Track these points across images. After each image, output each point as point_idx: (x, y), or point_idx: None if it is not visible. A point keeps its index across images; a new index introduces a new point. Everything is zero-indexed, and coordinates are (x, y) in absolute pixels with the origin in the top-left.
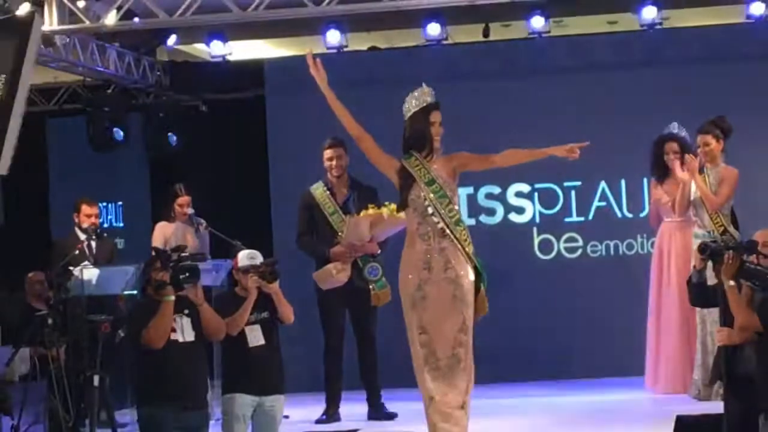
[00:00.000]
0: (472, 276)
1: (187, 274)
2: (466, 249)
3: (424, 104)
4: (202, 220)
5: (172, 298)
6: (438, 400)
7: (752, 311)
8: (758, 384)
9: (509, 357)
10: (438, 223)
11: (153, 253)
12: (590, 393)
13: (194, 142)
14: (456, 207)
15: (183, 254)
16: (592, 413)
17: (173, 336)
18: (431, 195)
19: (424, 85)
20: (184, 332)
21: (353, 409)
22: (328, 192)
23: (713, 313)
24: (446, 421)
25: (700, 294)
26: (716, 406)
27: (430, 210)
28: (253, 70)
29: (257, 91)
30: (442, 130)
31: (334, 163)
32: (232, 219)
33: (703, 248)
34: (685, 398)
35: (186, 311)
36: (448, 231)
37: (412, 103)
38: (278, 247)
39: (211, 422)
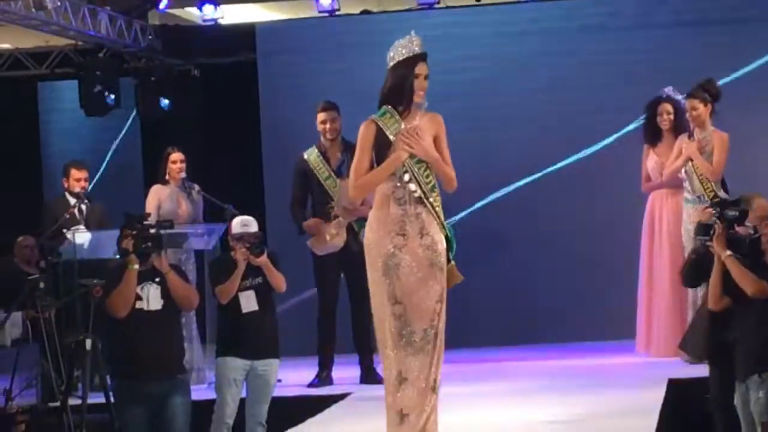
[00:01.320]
0: (444, 244)
1: (149, 244)
2: (440, 216)
3: (411, 54)
4: (195, 185)
5: (136, 266)
6: (411, 380)
7: (758, 278)
8: (738, 351)
9: (500, 322)
10: (415, 191)
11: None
12: (582, 357)
13: (186, 106)
14: (430, 172)
15: (146, 222)
16: (583, 377)
17: (138, 304)
18: (409, 160)
19: (413, 32)
20: (150, 301)
21: (345, 372)
22: (321, 157)
23: None
24: (417, 407)
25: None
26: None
27: (407, 176)
28: (245, 33)
29: (249, 54)
30: (427, 85)
31: (327, 126)
32: (224, 183)
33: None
34: (676, 362)
35: (157, 279)
36: (424, 198)
37: (398, 51)
38: (270, 211)
39: (204, 386)
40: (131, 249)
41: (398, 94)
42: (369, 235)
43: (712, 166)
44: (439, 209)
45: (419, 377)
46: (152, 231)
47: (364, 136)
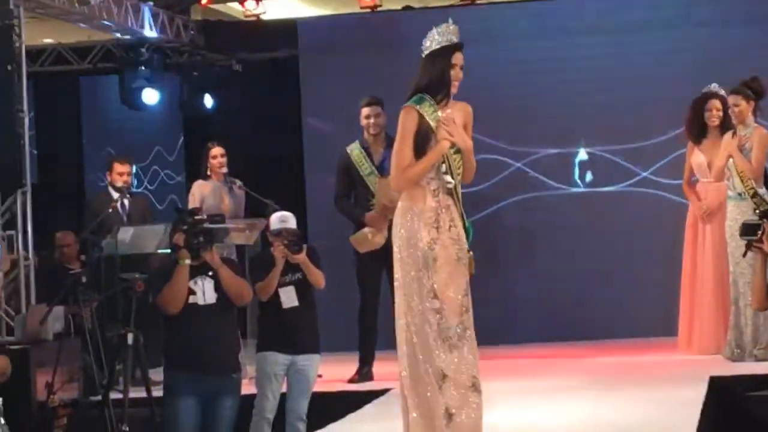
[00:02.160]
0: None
1: (201, 238)
2: (461, 208)
3: (448, 43)
4: (237, 180)
5: (188, 261)
6: (451, 377)
7: None
8: None
9: (541, 318)
10: (450, 182)
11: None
12: (623, 354)
13: (228, 101)
14: (461, 163)
15: (198, 217)
16: (625, 374)
17: (192, 299)
18: (449, 151)
19: (450, 20)
20: (206, 295)
21: (386, 368)
22: (364, 152)
23: (746, 274)
24: (464, 407)
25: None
26: (750, 367)
27: (444, 167)
28: (287, 29)
29: (291, 50)
30: (462, 75)
31: (371, 121)
32: (266, 179)
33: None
34: (718, 359)
35: (210, 273)
36: (454, 189)
37: (434, 39)
38: (311, 207)
39: (245, 381)
40: (182, 244)
41: (437, 84)
42: (402, 231)
43: (751, 163)
44: (460, 201)
45: (459, 373)
46: (204, 226)
47: (406, 123)
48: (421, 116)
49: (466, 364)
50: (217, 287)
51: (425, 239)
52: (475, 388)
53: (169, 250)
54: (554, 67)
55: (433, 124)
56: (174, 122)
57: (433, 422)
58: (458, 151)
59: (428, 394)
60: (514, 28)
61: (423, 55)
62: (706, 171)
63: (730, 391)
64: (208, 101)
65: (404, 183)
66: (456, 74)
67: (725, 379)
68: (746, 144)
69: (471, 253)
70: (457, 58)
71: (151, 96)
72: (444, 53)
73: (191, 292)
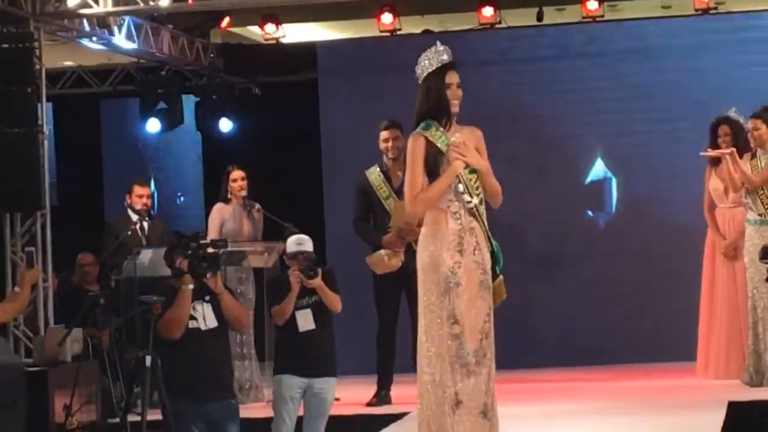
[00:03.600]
0: (490, 260)
1: (206, 264)
2: (488, 230)
3: (440, 64)
4: (256, 204)
5: (191, 287)
6: (465, 403)
7: None
8: None
9: (559, 342)
10: (470, 202)
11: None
12: (642, 378)
13: (247, 124)
14: (480, 184)
15: (203, 242)
16: (644, 398)
17: (193, 324)
18: (462, 170)
19: (438, 43)
20: (206, 319)
21: (404, 391)
22: (382, 176)
23: (765, 298)
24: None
25: None
26: None
27: (461, 187)
28: (306, 52)
29: (310, 74)
30: (461, 93)
31: (390, 144)
32: (285, 202)
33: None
34: (737, 384)
35: (207, 297)
36: (476, 210)
37: (425, 64)
38: (330, 231)
39: (262, 403)
40: (186, 269)
41: (436, 107)
42: (424, 255)
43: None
44: (488, 224)
45: (473, 400)
46: (209, 251)
47: (414, 150)
48: (428, 141)
49: (481, 391)
50: (216, 312)
51: (448, 263)
52: (485, 414)
53: None
54: (573, 88)
55: (442, 147)
56: (194, 145)
57: None
58: (473, 171)
59: (442, 418)
60: (533, 51)
61: (419, 83)
62: (722, 196)
63: (749, 416)
64: (226, 125)
65: (419, 207)
66: (453, 93)
67: (744, 404)
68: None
69: (501, 276)
70: (451, 77)
71: (170, 119)
72: (437, 75)
73: (191, 317)
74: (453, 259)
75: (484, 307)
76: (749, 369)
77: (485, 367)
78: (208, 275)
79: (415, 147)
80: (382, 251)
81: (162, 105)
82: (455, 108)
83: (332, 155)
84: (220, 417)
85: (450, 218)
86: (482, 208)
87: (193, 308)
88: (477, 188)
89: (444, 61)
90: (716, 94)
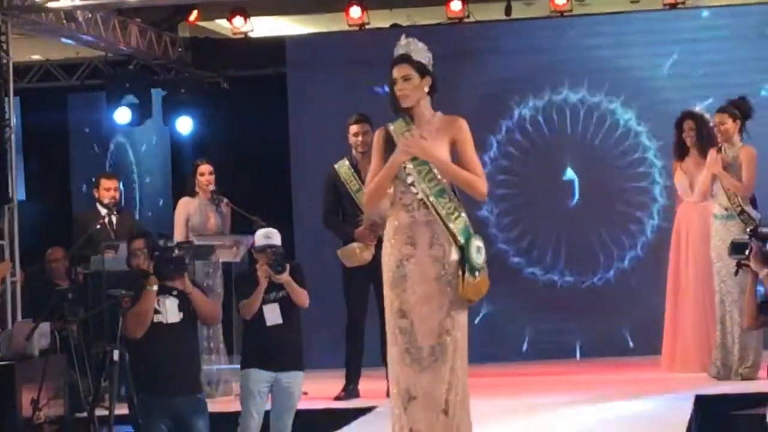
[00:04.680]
0: (456, 255)
1: (172, 267)
2: (450, 224)
3: (391, 59)
4: (224, 198)
5: (155, 288)
6: (419, 399)
7: None
8: None
9: (524, 336)
10: (417, 193)
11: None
12: (608, 372)
13: (215, 118)
14: (440, 176)
15: (169, 244)
16: (610, 392)
17: (157, 318)
18: (410, 164)
19: (402, 37)
20: (168, 314)
21: (372, 385)
22: (352, 169)
23: (733, 293)
24: (428, 428)
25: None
26: (736, 386)
27: (410, 179)
28: (275, 46)
29: (279, 68)
30: (408, 86)
31: (359, 139)
32: (253, 196)
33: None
34: (703, 377)
35: (174, 292)
36: (428, 202)
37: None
38: (298, 224)
39: (230, 398)
40: (152, 271)
41: (394, 102)
42: (385, 244)
43: (741, 182)
44: (454, 217)
45: (429, 396)
46: (175, 253)
47: (375, 143)
48: (388, 134)
49: (440, 387)
50: (181, 306)
51: (395, 256)
52: (446, 412)
53: None
54: (536, 85)
55: (396, 137)
56: (161, 139)
57: None
58: (425, 163)
59: (396, 411)
60: (501, 45)
61: None
62: (688, 190)
63: (716, 409)
64: (192, 120)
65: (367, 199)
66: (398, 87)
67: (711, 397)
68: (733, 163)
69: (479, 273)
70: (397, 71)
71: (137, 112)
72: (390, 71)
73: (156, 311)
74: (402, 253)
75: (444, 302)
76: (716, 363)
77: (445, 363)
78: (175, 278)
79: (376, 140)
80: (355, 244)
81: (131, 99)
82: (405, 102)
83: (301, 149)
84: (187, 412)
85: (401, 210)
86: (444, 201)
87: (158, 302)
88: (430, 180)
89: (393, 56)
90: (685, 89)
